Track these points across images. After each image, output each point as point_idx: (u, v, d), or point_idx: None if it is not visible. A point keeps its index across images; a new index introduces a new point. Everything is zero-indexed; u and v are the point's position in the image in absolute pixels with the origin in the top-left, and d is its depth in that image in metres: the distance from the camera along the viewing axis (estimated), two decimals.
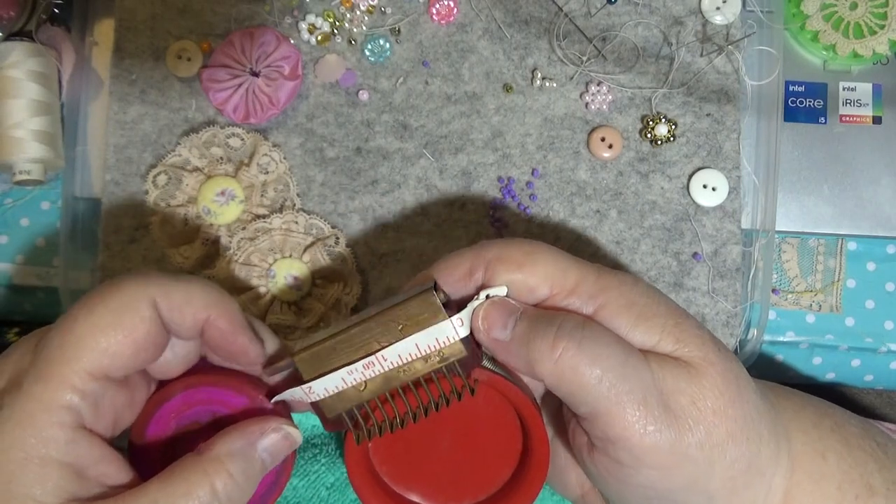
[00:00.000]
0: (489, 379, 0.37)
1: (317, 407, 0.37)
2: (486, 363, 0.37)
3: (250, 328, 0.37)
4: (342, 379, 0.36)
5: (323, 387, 0.36)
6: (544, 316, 0.35)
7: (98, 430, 0.34)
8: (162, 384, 0.38)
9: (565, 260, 0.37)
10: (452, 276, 0.37)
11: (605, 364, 0.33)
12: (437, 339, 0.36)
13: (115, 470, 0.34)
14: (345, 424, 0.37)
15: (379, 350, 0.36)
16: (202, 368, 0.38)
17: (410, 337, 0.35)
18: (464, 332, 0.36)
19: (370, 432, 0.37)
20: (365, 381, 0.36)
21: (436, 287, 0.36)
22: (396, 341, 0.36)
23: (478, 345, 0.37)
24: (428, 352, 0.36)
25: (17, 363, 0.34)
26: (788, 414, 0.39)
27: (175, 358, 0.37)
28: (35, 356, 0.33)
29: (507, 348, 0.36)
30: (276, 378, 0.38)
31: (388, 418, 0.37)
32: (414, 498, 0.40)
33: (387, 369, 0.36)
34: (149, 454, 0.37)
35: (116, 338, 0.33)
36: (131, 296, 0.34)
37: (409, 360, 0.36)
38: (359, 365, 0.36)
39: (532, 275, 0.36)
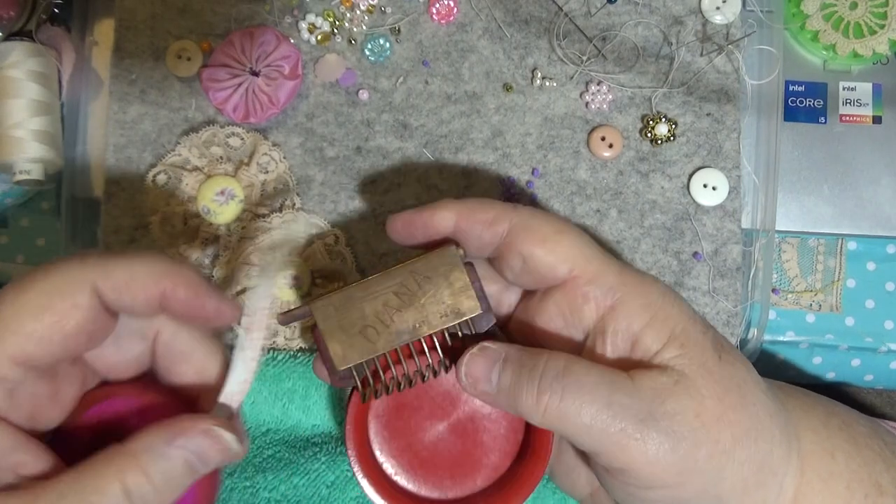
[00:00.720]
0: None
1: (328, 359, 0.37)
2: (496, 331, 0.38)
3: (216, 289, 0.34)
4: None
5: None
6: (526, 364, 0.35)
7: (11, 418, 0.31)
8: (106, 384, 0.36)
9: (591, 247, 0.36)
10: (474, 216, 0.37)
11: (591, 410, 0.33)
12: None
13: (32, 459, 0.31)
14: (353, 380, 0.37)
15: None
16: (151, 385, 0.36)
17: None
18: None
19: (377, 391, 0.37)
20: (378, 333, 0.36)
21: (457, 246, 0.37)
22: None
23: (489, 303, 0.37)
24: (445, 305, 0.36)
25: None
26: (797, 413, 0.39)
27: (123, 358, 0.35)
28: None
29: (495, 400, 0.36)
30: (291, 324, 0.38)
31: (397, 377, 0.37)
32: (409, 486, 0.39)
33: (401, 321, 0.36)
34: (82, 446, 0.34)
35: (44, 322, 0.30)
36: (66, 279, 0.31)
37: (425, 314, 0.36)
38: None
39: (553, 253, 0.36)
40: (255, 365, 0.34)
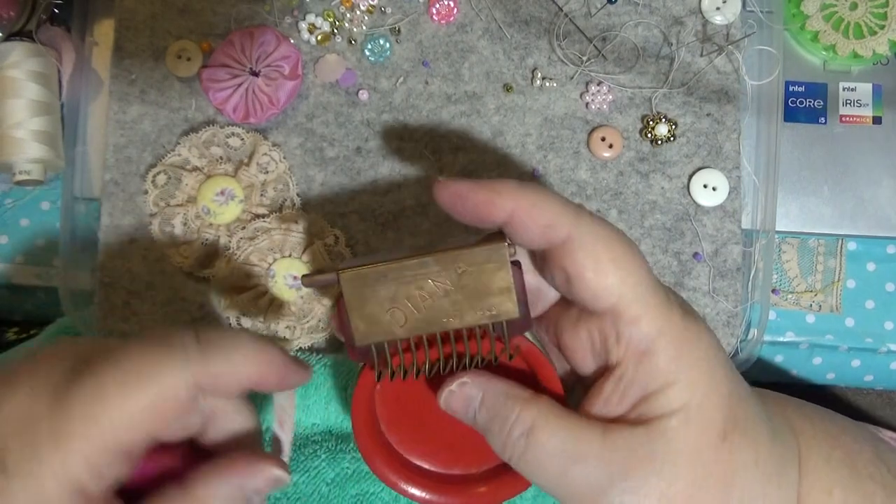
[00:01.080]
0: (527, 349, 0.36)
1: (348, 331, 0.35)
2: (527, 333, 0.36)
3: (294, 359, 0.35)
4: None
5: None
6: (499, 414, 0.34)
7: (94, 490, 0.32)
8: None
9: (642, 284, 0.33)
10: (532, 216, 0.33)
11: (548, 475, 0.33)
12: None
13: None
14: (370, 357, 0.36)
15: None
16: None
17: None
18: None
19: (393, 374, 0.35)
20: (405, 317, 0.35)
21: (508, 244, 0.35)
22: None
23: (528, 309, 0.36)
24: (482, 302, 0.35)
25: (29, 407, 0.31)
26: (801, 448, 0.38)
27: (181, 428, 0.35)
28: (54, 411, 0.31)
29: (477, 430, 0.36)
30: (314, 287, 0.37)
31: (417, 363, 0.35)
32: (408, 454, 0.39)
33: (433, 310, 0.35)
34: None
35: (146, 419, 0.32)
36: (170, 380, 0.32)
37: (460, 308, 0.35)
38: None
39: (601, 282, 0.33)
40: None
